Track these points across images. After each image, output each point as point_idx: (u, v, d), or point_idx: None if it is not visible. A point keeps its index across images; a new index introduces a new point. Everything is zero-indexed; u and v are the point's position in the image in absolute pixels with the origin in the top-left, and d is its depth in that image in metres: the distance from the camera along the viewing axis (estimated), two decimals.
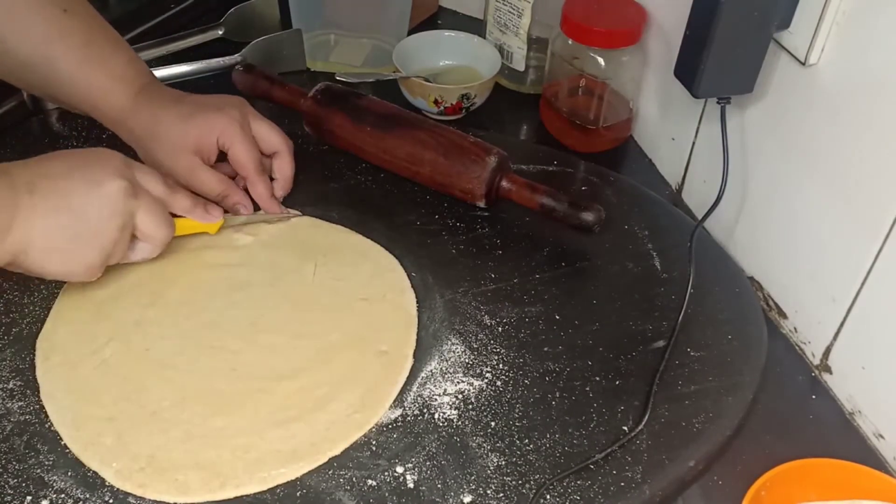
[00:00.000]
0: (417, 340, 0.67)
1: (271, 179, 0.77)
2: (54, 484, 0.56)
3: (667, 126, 0.85)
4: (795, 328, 0.71)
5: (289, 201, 0.78)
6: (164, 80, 0.90)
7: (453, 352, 0.66)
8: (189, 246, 0.72)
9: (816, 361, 0.69)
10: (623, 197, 0.81)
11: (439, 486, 0.57)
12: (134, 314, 0.67)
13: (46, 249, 0.60)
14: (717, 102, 0.70)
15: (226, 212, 0.74)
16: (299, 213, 0.77)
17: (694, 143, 0.81)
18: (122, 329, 0.66)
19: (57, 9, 0.70)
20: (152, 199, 0.65)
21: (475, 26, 1.00)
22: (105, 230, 0.61)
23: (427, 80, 0.88)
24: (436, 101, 0.88)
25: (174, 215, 0.68)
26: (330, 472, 0.58)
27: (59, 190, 0.60)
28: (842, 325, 0.66)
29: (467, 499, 0.57)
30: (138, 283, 0.69)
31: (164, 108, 0.72)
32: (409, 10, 0.98)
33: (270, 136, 0.76)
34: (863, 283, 0.63)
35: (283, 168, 0.77)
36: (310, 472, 0.58)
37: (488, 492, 0.57)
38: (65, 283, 0.68)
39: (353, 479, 0.57)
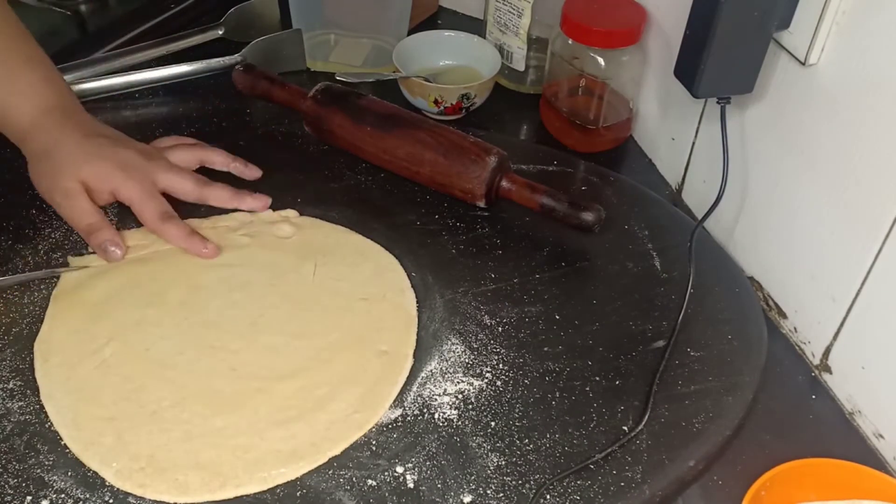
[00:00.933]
0: (417, 340, 0.67)
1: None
2: (54, 484, 0.56)
3: (667, 126, 0.85)
4: (795, 328, 0.71)
5: (289, 202, 0.77)
6: (164, 80, 0.91)
7: (453, 352, 0.66)
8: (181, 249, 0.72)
9: (816, 361, 0.69)
10: (623, 197, 0.81)
11: (439, 486, 0.57)
12: (133, 314, 0.67)
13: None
14: (717, 102, 0.70)
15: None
16: (267, 202, 0.76)
17: (694, 143, 0.81)
18: (122, 329, 0.66)
19: None
20: None
21: (475, 26, 1.00)
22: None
23: (427, 80, 0.88)
24: (436, 101, 0.88)
25: None
26: (330, 472, 0.58)
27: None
28: (842, 325, 0.66)
29: (467, 499, 0.57)
30: (136, 285, 0.69)
31: (68, 136, 0.71)
32: (409, 10, 0.98)
33: (178, 179, 0.73)
34: (863, 283, 0.63)
35: (217, 161, 0.78)
36: (310, 472, 0.58)
37: (488, 492, 0.57)
38: (56, 286, 0.69)
39: (353, 479, 0.57)
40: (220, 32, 0.98)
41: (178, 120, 0.86)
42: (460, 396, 0.63)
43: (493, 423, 0.61)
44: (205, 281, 0.70)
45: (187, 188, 0.74)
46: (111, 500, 0.56)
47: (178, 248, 0.72)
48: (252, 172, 0.79)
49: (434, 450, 0.59)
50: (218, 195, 0.75)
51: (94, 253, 0.71)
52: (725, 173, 0.72)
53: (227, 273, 0.71)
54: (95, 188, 0.70)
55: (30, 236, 0.73)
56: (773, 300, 0.74)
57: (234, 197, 0.75)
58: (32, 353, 0.64)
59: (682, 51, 0.69)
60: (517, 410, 0.62)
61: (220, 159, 0.78)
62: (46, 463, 0.57)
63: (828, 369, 0.68)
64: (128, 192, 0.71)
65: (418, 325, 0.68)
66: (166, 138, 0.80)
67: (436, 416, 0.62)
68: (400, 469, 0.58)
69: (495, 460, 0.59)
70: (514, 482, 0.58)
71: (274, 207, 0.77)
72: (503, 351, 0.66)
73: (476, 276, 0.72)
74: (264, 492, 0.57)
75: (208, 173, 0.77)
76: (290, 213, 0.76)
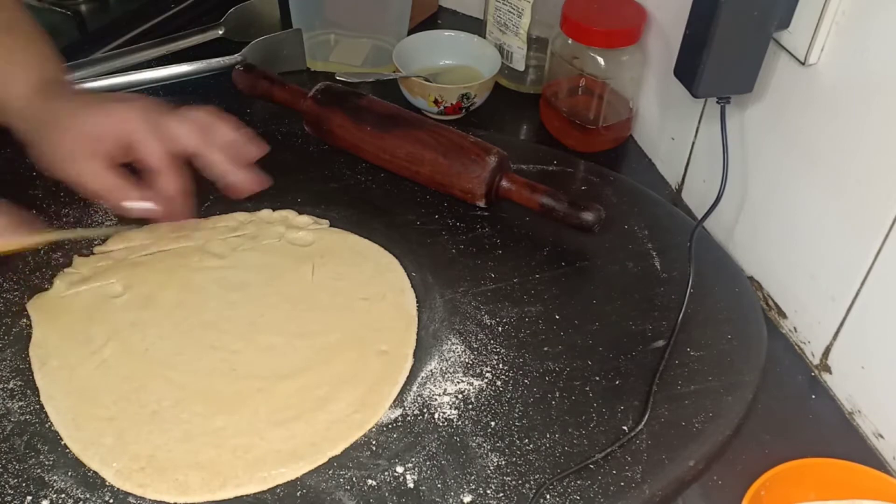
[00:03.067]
0: (417, 340, 0.67)
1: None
2: (54, 484, 0.56)
3: (667, 126, 0.85)
4: (795, 328, 0.71)
5: (289, 202, 0.77)
6: (164, 80, 0.91)
7: (453, 351, 0.66)
8: (174, 251, 0.72)
9: (816, 361, 0.69)
10: (623, 197, 0.81)
11: (439, 485, 0.57)
12: (128, 316, 0.67)
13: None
14: (717, 102, 0.70)
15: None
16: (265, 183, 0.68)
17: (694, 143, 0.81)
18: (119, 330, 0.66)
19: None
20: None
21: (475, 26, 1.00)
22: None
23: (427, 80, 0.88)
24: (436, 101, 0.88)
25: None
26: (330, 472, 0.58)
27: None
28: (841, 324, 0.66)
29: (467, 499, 0.57)
30: (128, 286, 0.69)
31: (64, 98, 0.67)
32: (409, 10, 0.99)
33: (185, 128, 0.65)
34: (862, 283, 0.63)
35: (226, 135, 0.68)
36: (310, 472, 0.58)
37: (488, 492, 0.57)
38: (35, 293, 0.68)
39: (353, 478, 0.57)
40: (220, 32, 0.98)
41: None
42: (460, 396, 0.63)
43: (493, 423, 0.61)
44: (199, 282, 0.70)
45: (191, 141, 0.65)
46: (111, 500, 0.56)
47: (168, 243, 0.72)
48: (260, 149, 0.69)
49: (434, 450, 0.59)
50: (218, 157, 0.66)
51: (100, 253, 0.71)
52: (725, 173, 0.72)
53: (220, 274, 0.71)
54: (101, 135, 0.64)
55: None
56: (772, 300, 0.74)
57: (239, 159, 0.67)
58: None
59: (682, 51, 0.69)
60: (517, 410, 0.62)
61: (226, 129, 0.68)
62: (46, 463, 0.57)
63: (827, 369, 0.68)
64: (131, 125, 0.64)
65: (418, 324, 0.68)
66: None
67: (436, 415, 0.62)
68: (400, 469, 0.58)
69: (495, 460, 0.59)
70: (514, 482, 0.58)
71: (274, 207, 0.77)
72: (503, 351, 0.66)
73: (476, 275, 0.72)
74: (264, 492, 0.57)
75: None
76: (290, 213, 0.76)
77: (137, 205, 0.64)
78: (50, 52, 0.72)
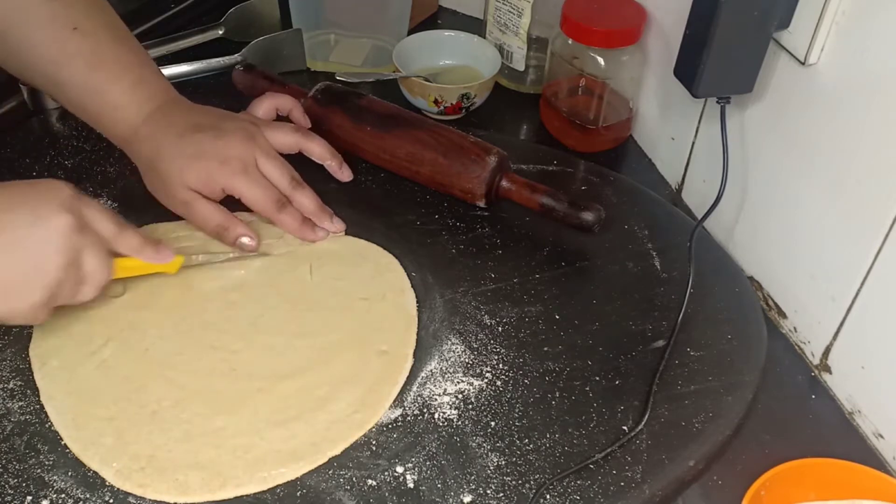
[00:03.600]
0: (417, 340, 0.67)
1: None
2: (55, 484, 0.56)
3: (666, 126, 0.85)
4: (795, 328, 0.71)
5: None
6: None
7: (453, 351, 0.66)
8: (175, 251, 0.71)
9: (816, 361, 0.69)
10: (623, 197, 0.81)
11: (439, 485, 0.57)
12: (127, 316, 0.67)
13: None
14: (717, 102, 0.70)
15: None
16: (342, 229, 0.75)
17: (694, 143, 0.81)
18: (119, 330, 0.66)
19: (67, 28, 0.68)
20: (98, 237, 0.60)
21: (475, 26, 1.00)
22: (49, 268, 0.56)
23: (427, 80, 0.88)
24: (436, 101, 0.88)
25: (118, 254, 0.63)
26: (330, 472, 0.58)
27: (1, 223, 0.55)
28: (841, 324, 0.66)
29: (467, 499, 0.57)
30: (127, 287, 0.68)
31: (165, 146, 0.69)
32: (409, 10, 0.99)
33: (277, 172, 0.72)
34: (862, 283, 0.63)
35: (315, 152, 0.76)
36: (310, 472, 0.58)
37: (488, 492, 0.57)
38: None
39: (353, 478, 0.57)
40: (220, 32, 0.98)
41: None
42: (460, 396, 0.63)
43: (493, 423, 0.61)
44: (199, 282, 0.69)
45: (283, 184, 0.72)
46: (111, 500, 0.56)
47: (168, 243, 0.70)
48: (345, 174, 0.78)
49: (434, 450, 0.59)
50: (301, 202, 0.73)
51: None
52: (725, 173, 0.72)
53: (221, 274, 0.70)
54: (206, 191, 0.69)
55: None
56: (772, 300, 0.74)
57: (318, 211, 0.74)
58: None
59: (682, 51, 0.69)
60: (517, 410, 0.62)
61: (318, 151, 0.77)
62: (46, 463, 0.57)
63: (827, 369, 0.68)
64: (235, 187, 0.69)
65: (418, 324, 0.68)
66: (264, 99, 0.79)
67: (436, 415, 0.62)
68: (400, 469, 0.58)
69: (495, 460, 0.59)
70: (514, 482, 0.58)
71: None
72: (503, 351, 0.66)
73: (476, 276, 0.72)
74: (264, 492, 0.57)
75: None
76: (336, 226, 0.76)
77: (248, 242, 0.71)
78: (143, 76, 0.72)
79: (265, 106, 0.78)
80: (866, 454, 0.64)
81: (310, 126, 0.79)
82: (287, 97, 0.79)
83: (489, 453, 0.59)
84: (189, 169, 0.69)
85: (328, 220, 0.74)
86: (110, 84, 0.70)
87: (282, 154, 0.74)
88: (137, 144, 0.71)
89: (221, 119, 0.72)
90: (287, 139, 0.75)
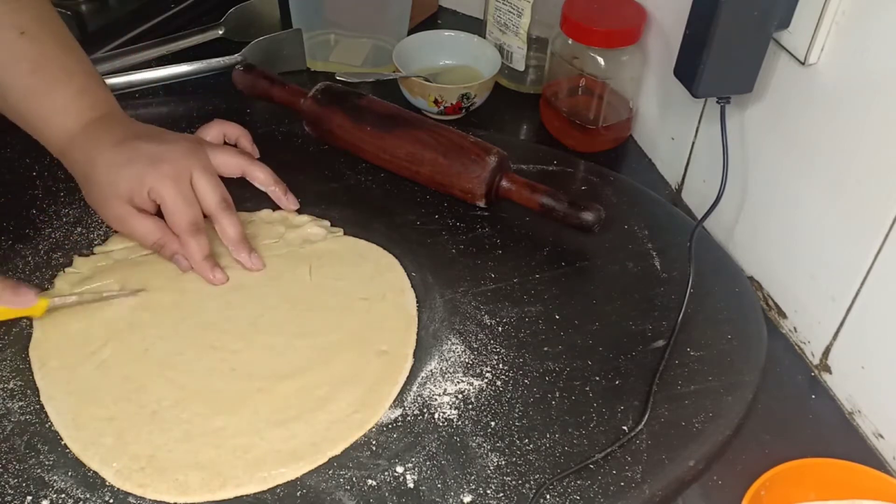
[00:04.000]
0: (417, 340, 0.67)
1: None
2: (55, 484, 0.56)
3: (666, 126, 0.85)
4: (795, 328, 0.71)
5: None
6: (164, 80, 0.91)
7: (453, 351, 0.66)
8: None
9: (816, 361, 0.69)
10: (623, 197, 0.81)
11: (439, 485, 0.57)
12: (126, 316, 0.67)
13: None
14: (717, 102, 0.70)
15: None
16: (260, 267, 0.71)
17: (694, 143, 0.81)
18: (119, 330, 0.66)
19: (13, 31, 0.68)
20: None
21: (475, 26, 1.00)
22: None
23: (427, 80, 0.88)
24: (436, 101, 0.88)
25: None
26: (330, 472, 0.58)
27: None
28: (841, 324, 0.66)
29: (467, 499, 0.57)
30: (125, 287, 0.68)
31: (100, 153, 0.67)
32: (409, 10, 0.99)
33: (209, 188, 0.69)
34: (862, 283, 0.63)
35: (259, 177, 0.75)
36: (310, 472, 0.58)
37: (488, 492, 0.57)
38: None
39: (353, 478, 0.57)
40: (220, 32, 0.98)
41: (177, 120, 0.86)
42: (460, 396, 0.63)
43: (493, 423, 0.61)
44: (199, 282, 0.69)
45: (211, 202, 0.69)
46: (111, 500, 0.56)
47: (152, 259, 0.71)
48: (290, 202, 0.76)
49: (434, 450, 0.59)
50: (225, 227, 0.70)
51: (100, 252, 0.71)
52: (725, 173, 0.72)
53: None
54: (137, 198, 0.67)
55: (30, 236, 0.73)
56: (772, 300, 0.74)
57: (238, 241, 0.70)
58: None
59: (682, 51, 0.69)
60: (517, 410, 0.62)
61: (262, 177, 0.75)
62: (46, 463, 0.57)
63: (827, 369, 0.68)
64: (160, 192, 0.66)
65: (418, 324, 0.68)
66: (212, 125, 0.78)
67: (436, 415, 0.62)
68: (400, 469, 0.58)
69: (495, 460, 0.59)
70: (514, 482, 0.58)
71: (274, 207, 0.77)
72: (503, 351, 0.66)
73: (476, 276, 0.72)
74: (264, 492, 0.57)
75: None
76: (289, 213, 0.76)
77: (181, 261, 0.69)
78: (87, 86, 0.71)
79: (213, 131, 0.77)
80: (866, 454, 0.64)
81: (258, 156, 0.78)
82: (236, 126, 0.78)
83: (489, 453, 0.59)
84: (120, 176, 0.66)
85: (245, 254, 0.70)
86: (54, 89, 0.68)
87: (224, 179, 0.71)
88: (73, 153, 0.69)
89: (164, 132, 0.71)
90: (230, 161, 0.73)
